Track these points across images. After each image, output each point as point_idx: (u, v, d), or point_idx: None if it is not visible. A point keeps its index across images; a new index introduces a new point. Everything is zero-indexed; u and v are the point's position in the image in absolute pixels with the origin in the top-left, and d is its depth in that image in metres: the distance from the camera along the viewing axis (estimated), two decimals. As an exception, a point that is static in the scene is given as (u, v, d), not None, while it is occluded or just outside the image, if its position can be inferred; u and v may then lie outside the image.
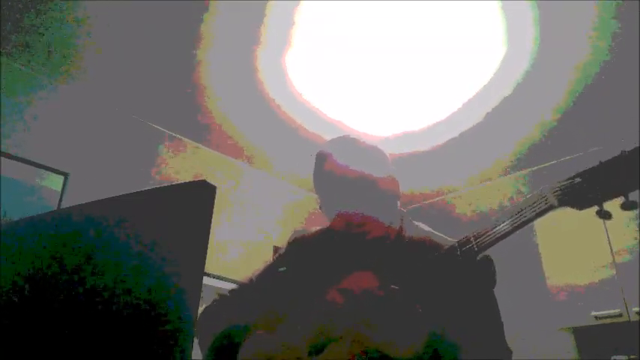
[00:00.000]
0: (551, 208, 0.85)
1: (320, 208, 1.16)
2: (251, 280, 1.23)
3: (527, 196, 0.87)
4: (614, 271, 2.88)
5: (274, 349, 1.00)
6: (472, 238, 0.90)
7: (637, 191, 0.80)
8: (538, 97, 3.03)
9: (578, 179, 0.82)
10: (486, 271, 0.99)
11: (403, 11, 2.43)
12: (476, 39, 2.59)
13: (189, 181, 0.63)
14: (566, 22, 2.48)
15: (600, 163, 0.80)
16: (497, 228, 0.88)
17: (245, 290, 1.22)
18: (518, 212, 0.87)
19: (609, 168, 0.79)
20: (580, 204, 0.83)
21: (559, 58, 2.72)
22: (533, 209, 0.85)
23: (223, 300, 1.22)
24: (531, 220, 0.86)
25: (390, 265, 0.99)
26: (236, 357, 1.02)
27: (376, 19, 2.47)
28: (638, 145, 0.78)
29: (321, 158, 1.15)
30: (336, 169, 1.10)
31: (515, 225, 0.86)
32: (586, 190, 0.82)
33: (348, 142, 1.16)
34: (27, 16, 2.47)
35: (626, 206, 0.80)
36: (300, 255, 1.18)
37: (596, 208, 0.84)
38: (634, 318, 2.75)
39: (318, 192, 1.16)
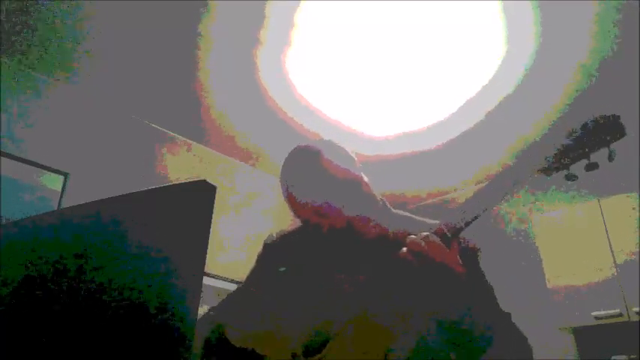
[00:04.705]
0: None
1: (289, 195, 1.09)
2: (248, 282, 1.23)
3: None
4: (614, 272, 2.88)
5: (269, 337, 1.00)
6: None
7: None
8: (538, 97, 3.03)
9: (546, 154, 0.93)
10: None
11: (403, 11, 2.43)
12: (476, 39, 2.59)
13: (189, 181, 0.63)
14: (566, 22, 2.48)
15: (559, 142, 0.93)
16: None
17: (242, 294, 1.22)
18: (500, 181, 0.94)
19: (569, 139, 0.92)
20: (548, 171, 0.93)
21: (559, 58, 2.72)
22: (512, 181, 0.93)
23: (224, 303, 1.22)
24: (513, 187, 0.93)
25: (382, 262, 0.99)
26: (227, 347, 1.02)
27: (376, 19, 2.47)
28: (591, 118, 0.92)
29: (315, 153, 1.09)
30: (331, 168, 1.07)
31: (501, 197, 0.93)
32: (553, 161, 0.92)
33: (334, 145, 1.13)
34: (27, 16, 2.47)
35: (588, 167, 0.91)
36: (294, 254, 1.17)
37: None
38: (634, 318, 2.75)
39: (305, 185, 1.08)
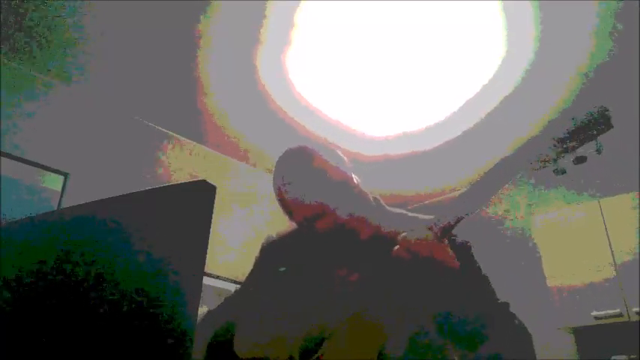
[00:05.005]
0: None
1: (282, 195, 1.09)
2: (247, 284, 1.23)
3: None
4: (614, 271, 2.88)
5: (267, 342, 1.00)
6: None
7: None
8: (538, 98, 3.03)
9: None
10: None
11: (403, 11, 2.43)
12: (476, 39, 2.59)
13: (189, 181, 0.63)
14: (566, 22, 2.48)
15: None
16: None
17: (243, 293, 1.22)
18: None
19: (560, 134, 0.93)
20: (538, 166, 0.94)
21: (559, 58, 2.72)
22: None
23: (223, 305, 1.22)
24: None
25: (381, 262, 0.99)
26: (231, 351, 1.02)
27: (376, 19, 2.47)
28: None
29: (308, 153, 1.10)
30: (325, 168, 1.07)
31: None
32: (542, 156, 0.93)
33: (324, 146, 1.14)
34: (27, 16, 2.47)
35: (577, 161, 0.92)
36: (292, 255, 1.17)
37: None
38: (634, 318, 2.75)
39: (298, 184, 1.08)
